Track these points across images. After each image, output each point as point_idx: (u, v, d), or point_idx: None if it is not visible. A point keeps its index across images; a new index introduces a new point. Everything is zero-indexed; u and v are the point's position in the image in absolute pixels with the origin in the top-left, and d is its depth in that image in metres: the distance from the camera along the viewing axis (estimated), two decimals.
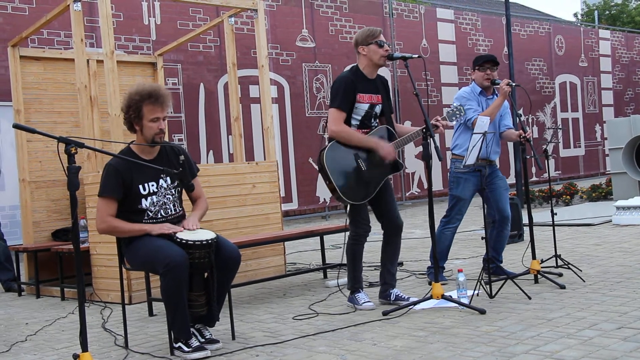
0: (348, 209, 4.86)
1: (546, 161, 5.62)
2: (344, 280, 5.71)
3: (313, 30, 13.14)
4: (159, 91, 4.17)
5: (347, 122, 4.79)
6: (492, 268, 5.42)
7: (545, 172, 5.71)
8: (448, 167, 5.77)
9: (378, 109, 4.90)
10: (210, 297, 4.08)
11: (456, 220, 5.62)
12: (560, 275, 5.34)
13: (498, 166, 5.75)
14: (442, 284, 4.66)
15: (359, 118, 4.81)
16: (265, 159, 6.89)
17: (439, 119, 4.78)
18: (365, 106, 4.81)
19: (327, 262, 6.53)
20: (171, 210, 4.23)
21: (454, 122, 4.95)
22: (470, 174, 5.46)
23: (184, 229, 4.11)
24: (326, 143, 4.81)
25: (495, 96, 5.68)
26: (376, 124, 4.90)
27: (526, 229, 7.53)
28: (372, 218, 4.96)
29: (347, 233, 4.98)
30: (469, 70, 5.86)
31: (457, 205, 5.60)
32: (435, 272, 4.65)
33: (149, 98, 4.12)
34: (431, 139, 4.57)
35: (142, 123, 4.15)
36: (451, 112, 4.89)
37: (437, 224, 4.87)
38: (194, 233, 4.06)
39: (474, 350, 3.62)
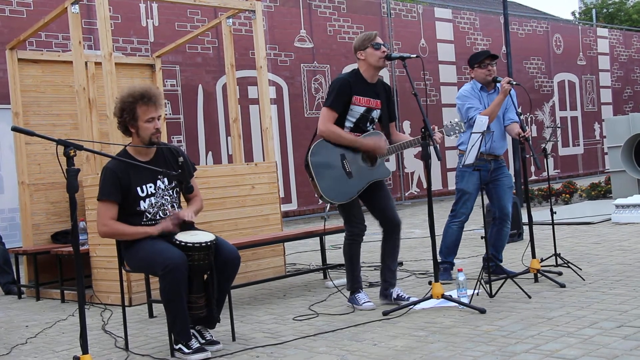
0: (328, 207, 4.88)
1: (545, 160, 5.63)
2: (340, 281, 5.71)
3: (311, 30, 13.15)
4: (151, 91, 4.17)
5: (341, 123, 4.80)
6: (492, 267, 5.44)
7: (545, 171, 5.71)
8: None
9: (375, 114, 4.91)
10: (210, 298, 4.08)
11: (462, 215, 5.63)
12: (560, 274, 5.35)
13: (505, 162, 5.76)
14: (447, 283, 4.66)
15: (354, 120, 4.81)
16: (264, 160, 6.89)
17: (436, 130, 4.76)
18: (361, 109, 4.81)
19: (327, 262, 6.53)
20: (169, 211, 4.22)
21: (452, 137, 4.96)
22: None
23: (179, 218, 4.12)
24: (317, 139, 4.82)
25: (496, 91, 5.70)
26: (372, 129, 4.91)
27: (526, 228, 7.53)
28: (369, 217, 4.96)
29: (325, 237, 4.97)
30: (467, 70, 5.87)
31: (462, 198, 5.61)
32: (435, 272, 4.64)
33: (142, 99, 4.11)
34: (430, 139, 4.57)
35: (137, 125, 4.14)
36: (449, 127, 4.89)
37: (436, 224, 4.87)
38: (193, 235, 4.06)
39: (474, 350, 3.62)
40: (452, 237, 5.68)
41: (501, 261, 5.67)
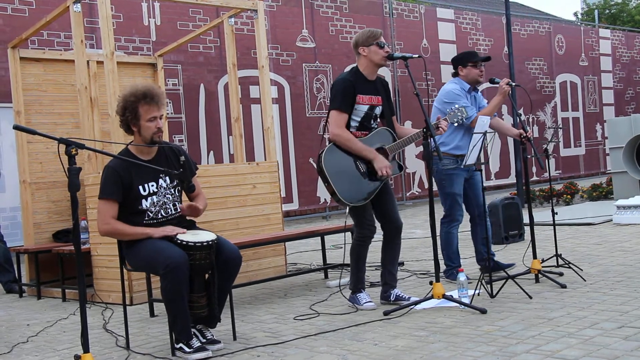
0: (347, 210, 4.86)
1: (547, 161, 5.63)
2: (344, 280, 5.71)
3: (313, 30, 13.15)
4: (153, 90, 4.17)
5: (347, 123, 4.79)
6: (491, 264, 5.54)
7: (546, 171, 5.71)
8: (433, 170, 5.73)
9: (378, 110, 4.90)
10: (211, 298, 4.08)
11: (459, 217, 5.66)
12: (561, 274, 5.34)
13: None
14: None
15: (358, 119, 4.81)
16: (265, 160, 6.89)
17: (440, 118, 4.78)
18: (365, 107, 4.80)
19: (328, 262, 6.53)
20: (171, 210, 4.22)
21: (455, 124, 4.91)
22: (459, 169, 5.50)
23: (186, 209, 4.14)
24: (326, 144, 4.81)
25: (476, 91, 5.72)
26: (376, 126, 4.90)
27: (527, 229, 7.53)
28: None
29: (348, 234, 4.98)
30: (460, 68, 5.85)
31: (456, 202, 5.62)
32: (436, 271, 4.64)
33: (145, 98, 4.11)
34: (432, 138, 4.57)
35: (139, 124, 4.15)
36: (452, 114, 4.87)
37: (437, 224, 4.87)
38: (195, 234, 4.06)
39: (475, 350, 3.62)
40: (456, 241, 5.70)
41: (494, 255, 5.71)
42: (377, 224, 4.93)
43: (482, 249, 5.79)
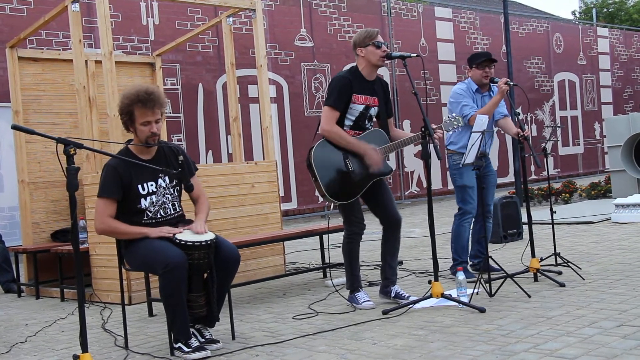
0: (332, 206, 4.88)
1: (545, 159, 5.63)
2: (338, 280, 5.71)
3: (312, 29, 13.14)
4: (149, 95, 4.10)
5: (341, 122, 4.79)
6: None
7: (544, 170, 5.72)
8: (447, 166, 5.81)
9: (373, 111, 4.90)
10: (209, 297, 4.08)
11: (472, 210, 5.63)
12: (560, 273, 5.35)
13: (490, 160, 5.85)
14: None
15: (353, 119, 4.81)
16: (264, 159, 6.89)
17: (435, 127, 4.76)
18: (360, 107, 4.81)
19: (326, 261, 6.53)
20: (170, 210, 4.22)
21: (450, 132, 4.96)
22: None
23: (192, 231, 4.12)
24: (319, 139, 4.82)
25: (490, 93, 5.74)
26: (370, 126, 4.91)
27: (525, 228, 7.53)
28: (369, 216, 4.97)
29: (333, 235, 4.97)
30: (466, 69, 5.95)
31: (466, 193, 5.61)
32: (435, 270, 4.65)
33: (138, 102, 4.09)
34: (430, 138, 4.57)
35: (134, 126, 4.15)
36: (448, 122, 4.90)
37: (436, 224, 4.87)
38: (193, 234, 4.06)
39: (474, 349, 3.62)
40: (465, 235, 5.68)
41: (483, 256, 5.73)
42: (367, 221, 4.93)
43: (476, 247, 5.81)
